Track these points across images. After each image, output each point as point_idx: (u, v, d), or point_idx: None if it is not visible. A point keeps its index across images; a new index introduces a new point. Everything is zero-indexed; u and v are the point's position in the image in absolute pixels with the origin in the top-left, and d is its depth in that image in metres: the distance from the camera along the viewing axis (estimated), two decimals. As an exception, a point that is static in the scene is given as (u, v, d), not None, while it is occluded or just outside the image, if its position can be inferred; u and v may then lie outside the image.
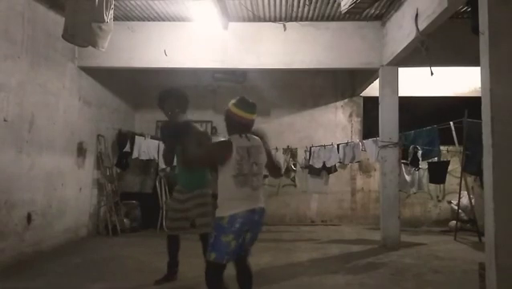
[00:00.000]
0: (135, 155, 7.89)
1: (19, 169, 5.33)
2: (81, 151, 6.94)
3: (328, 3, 6.21)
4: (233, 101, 3.02)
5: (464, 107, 6.99)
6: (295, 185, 8.61)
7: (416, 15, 5.10)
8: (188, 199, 3.93)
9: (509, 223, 3.19)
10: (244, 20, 6.85)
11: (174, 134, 3.61)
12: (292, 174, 8.47)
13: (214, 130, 9.24)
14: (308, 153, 8.21)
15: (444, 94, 8.80)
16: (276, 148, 8.38)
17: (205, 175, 4.04)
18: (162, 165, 7.93)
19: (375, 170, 9.04)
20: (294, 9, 6.42)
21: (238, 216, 2.84)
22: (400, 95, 6.72)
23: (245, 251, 3.04)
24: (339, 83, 9.36)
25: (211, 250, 2.84)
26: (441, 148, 7.73)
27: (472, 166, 7.06)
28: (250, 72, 8.67)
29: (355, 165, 8.97)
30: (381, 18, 6.69)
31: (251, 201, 2.93)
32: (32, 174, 5.58)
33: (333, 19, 6.84)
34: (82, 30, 4.59)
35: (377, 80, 7.08)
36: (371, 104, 8.11)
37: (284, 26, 6.81)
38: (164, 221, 7.10)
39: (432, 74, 5.20)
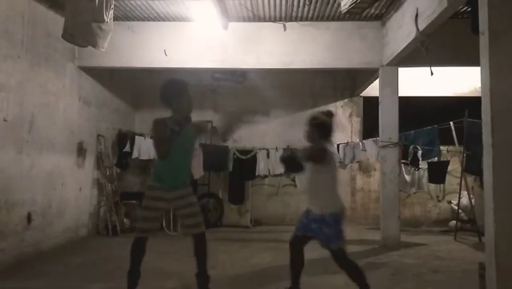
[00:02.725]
0: (135, 155, 7.89)
1: (19, 169, 5.33)
2: (81, 151, 6.94)
3: (328, 3, 6.21)
4: (320, 114, 3.58)
5: (464, 107, 6.99)
6: (295, 185, 8.62)
7: (416, 15, 5.10)
8: (176, 198, 3.65)
9: (510, 223, 3.19)
10: (244, 20, 6.85)
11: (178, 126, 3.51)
12: (292, 174, 8.48)
13: (214, 130, 9.24)
14: (308, 153, 8.20)
15: (444, 94, 8.79)
16: (276, 148, 8.40)
17: (189, 173, 3.89)
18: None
19: (375, 170, 9.04)
20: (294, 9, 6.42)
21: (345, 208, 3.55)
22: (400, 95, 6.72)
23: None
24: (338, 84, 9.35)
25: (338, 239, 3.36)
26: (441, 148, 7.74)
27: (472, 166, 7.06)
28: (250, 72, 8.67)
29: (355, 165, 8.97)
30: (381, 18, 6.69)
31: None
32: (32, 174, 5.59)
33: (333, 19, 6.84)
34: (82, 30, 4.59)
35: (377, 80, 7.08)
36: (371, 104, 8.10)
37: (284, 26, 6.81)
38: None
39: (432, 74, 5.20)
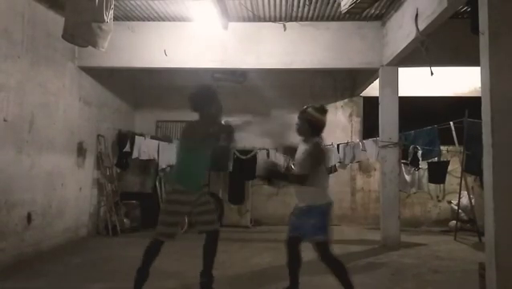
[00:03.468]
0: (135, 155, 7.88)
1: (19, 169, 5.33)
2: (81, 151, 6.94)
3: (328, 3, 6.21)
4: (312, 108, 3.51)
5: (464, 107, 7.00)
6: (295, 185, 8.60)
7: (416, 15, 5.10)
8: (197, 199, 3.72)
9: (510, 223, 3.19)
10: (244, 20, 6.85)
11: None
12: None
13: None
14: (308, 153, 8.20)
15: (444, 94, 8.80)
16: (276, 148, 8.39)
17: (205, 174, 3.96)
18: (162, 165, 7.94)
19: (375, 170, 9.04)
20: (294, 9, 6.42)
21: (331, 203, 3.46)
22: (400, 95, 6.72)
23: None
24: (338, 84, 9.36)
25: (322, 232, 3.32)
26: (441, 148, 7.74)
27: (472, 166, 7.06)
28: (250, 72, 8.67)
29: (355, 165, 8.97)
30: (381, 18, 6.69)
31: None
32: (32, 174, 5.58)
33: (333, 19, 6.84)
34: (82, 30, 4.59)
35: (377, 80, 7.08)
36: (371, 104, 8.10)
37: (284, 26, 6.81)
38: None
39: (432, 74, 5.21)
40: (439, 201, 8.89)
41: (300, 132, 3.56)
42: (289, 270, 3.61)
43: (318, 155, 3.40)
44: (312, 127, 3.48)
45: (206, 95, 3.77)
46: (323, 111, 3.55)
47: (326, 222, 3.37)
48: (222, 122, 3.80)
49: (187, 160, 3.69)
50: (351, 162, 8.21)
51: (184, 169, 3.72)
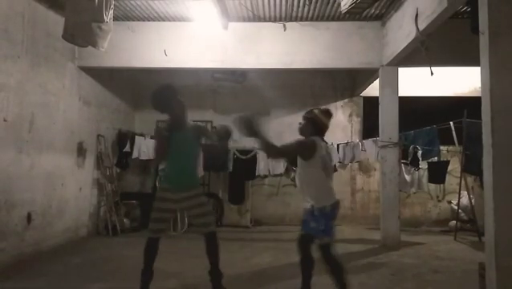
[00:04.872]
0: (135, 155, 7.90)
1: (19, 169, 5.33)
2: (81, 151, 6.94)
3: (328, 3, 6.21)
4: (317, 111, 3.56)
5: (464, 107, 6.99)
6: (295, 185, 8.60)
7: (416, 15, 5.10)
8: (184, 199, 3.72)
9: (510, 223, 3.19)
10: (244, 20, 6.85)
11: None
12: (292, 174, 8.49)
13: (214, 130, 9.23)
14: (308, 153, 8.22)
15: (444, 94, 8.80)
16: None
17: (197, 174, 3.99)
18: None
19: (375, 170, 9.04)
20: (294, 9, 6.42)
21: (335, 204, 3.41)
22: (400, 95, 6.72)
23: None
24: (338, 84, 9.35)
25: (323, 235, 3.33)
26: (441, 148, 7.74)
27: (472, 166, 7.06)
28: (250, 72, 8.67)
29: (355, 165, 8.97)
30: (381, 18, 6.69)
31: (334, 191, 3.48)
32: (32, 174, 5.58)
33: (333, 19, 6.85)
34: (82, 30, 4.60)
35: (377, 80, 7.08)
36: (371, 104, 8.10)
37: (284, 26, 6.81)
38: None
39: (432, 74, 5.21)
40: (439, 201, 8.89)
41: (302, 131, 3.57)
42: (301, 269, 3.60)
43: (305, 145, 3.40)
44: (314, 128, 3.49)
45: (165, 96, 3.69)
46: (328, 115, 3.59)
47: (329, 224, 3.36)
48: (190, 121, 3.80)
49: (168, 160, 3.81)
50: (351, 162, 8.21)
51: (167, 168, 3.89)
